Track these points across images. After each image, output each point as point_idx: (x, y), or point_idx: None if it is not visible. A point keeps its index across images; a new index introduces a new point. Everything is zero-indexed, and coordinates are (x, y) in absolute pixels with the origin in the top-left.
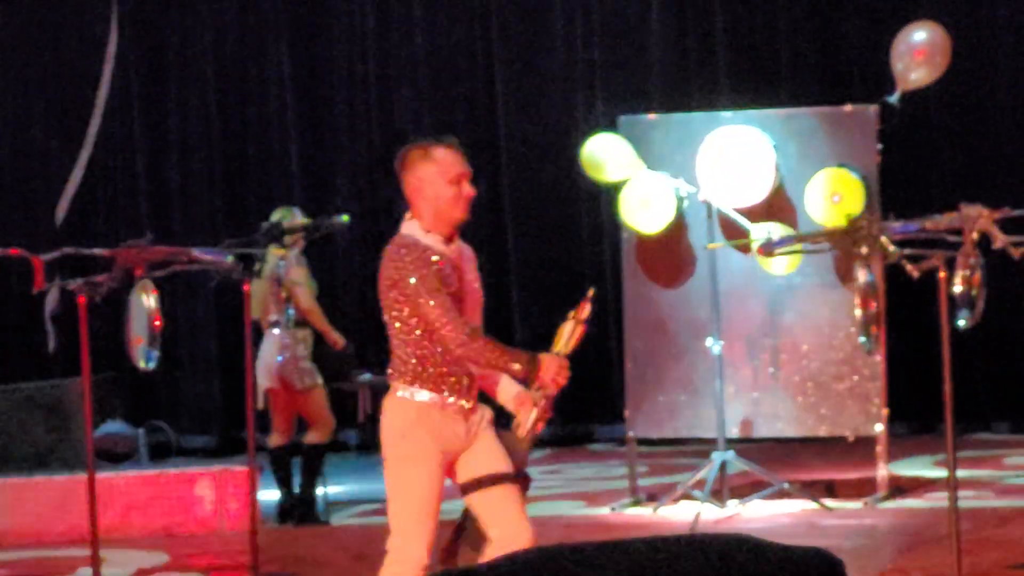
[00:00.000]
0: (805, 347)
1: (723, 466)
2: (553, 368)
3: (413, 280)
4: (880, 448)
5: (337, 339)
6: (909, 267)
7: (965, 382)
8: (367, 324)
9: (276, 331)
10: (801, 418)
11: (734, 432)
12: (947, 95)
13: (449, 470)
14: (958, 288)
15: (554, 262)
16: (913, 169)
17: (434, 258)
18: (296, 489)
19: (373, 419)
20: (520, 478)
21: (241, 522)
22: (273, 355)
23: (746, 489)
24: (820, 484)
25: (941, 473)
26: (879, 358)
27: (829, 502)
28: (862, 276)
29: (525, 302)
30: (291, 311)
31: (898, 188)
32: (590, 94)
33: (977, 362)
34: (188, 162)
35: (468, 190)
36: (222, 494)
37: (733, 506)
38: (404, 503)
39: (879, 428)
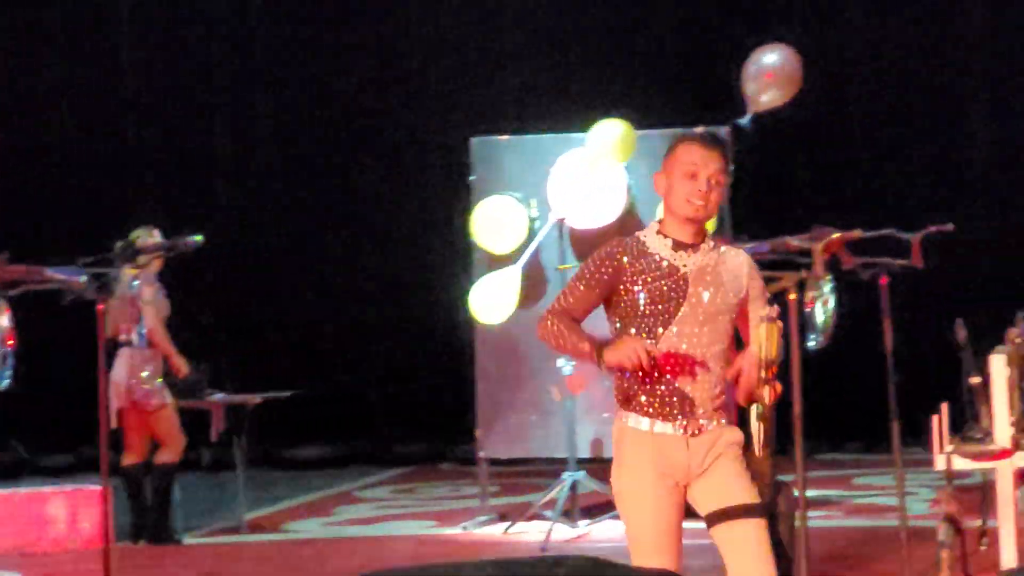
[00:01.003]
0: None
1: (574, 486)
2: (624, 350)
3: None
4: None
5: (180, 365)
6: None
7: (815, 403)
8: (225, 342)
9: (128, 350)
10: None
11: (585, 452)
12: (799, 117)
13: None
14: (809, 309)
15: (407, 284)
16: (765, 190)
17: (611, 252)
18: (149, 508)
19: (227, 437)
20: (765, 503)
21: (94, 541)
22: (125, 374)
23: (597, 509)
24: None
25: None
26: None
27: None
28: None
29: (379, 323)
30: (143, 330)
31: (749, 209)
32: (443, 115)
33: (827, 383)
34: (45, 179)
35: (703, 187)
36: (75, 513)
37: (584, 526)
38: (630, 538)
39: None
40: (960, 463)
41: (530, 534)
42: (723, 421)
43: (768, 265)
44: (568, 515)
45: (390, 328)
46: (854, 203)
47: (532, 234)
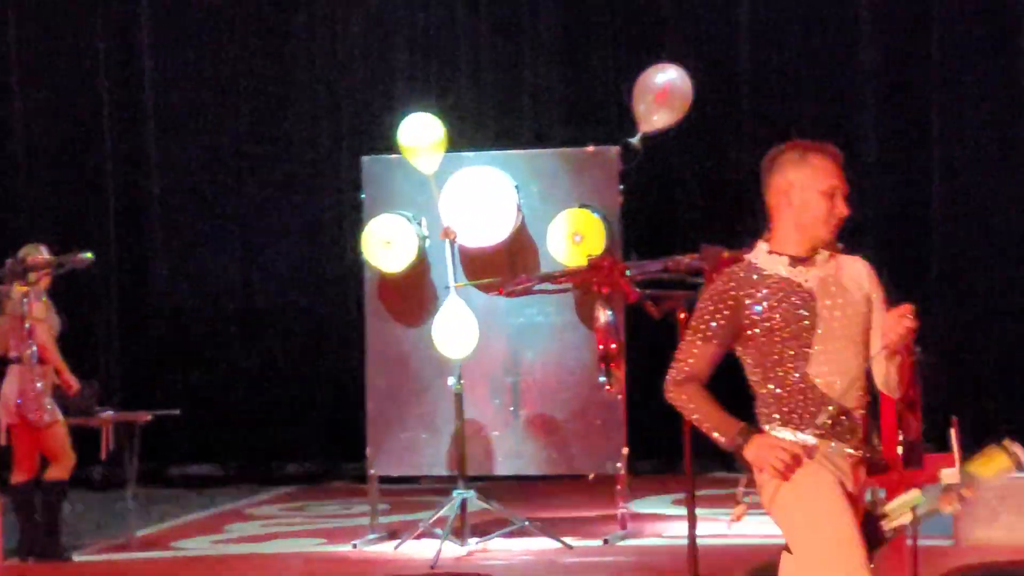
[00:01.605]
0: (546, 386)
1: (464, 504)
2: (765, 453)
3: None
4: (620, 486)
5: (71, 381)
6: (649, 307)
7: None
8: (116, 360)
9: (18, 367)
10: (542, 456)
11: (476, 470)
12: (689, 136)
13: None
14: None
15: (298, 303)
16: (655, 210)
17: (721, 292)
18: (38, 525)
19: (117, 454)
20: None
21: None
22: (15, 391)
23: (487, 527)
24: (561, 522)
25: (680, 511)
26: (619, 397)
27: (570, 540)
28: (602, 316)
29: (270, 341)
30: (35, 347)
31: (640, 228)
32: (334, 133)
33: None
34: None
35: (841, 208)
36: None
37: (474, 543)
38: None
39: (619, 466)
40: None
41: (420, 552)
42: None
43: (658, 284)
44: (458, 533)
45: (281, 346)
46: (743, 222)
47: (422, 252)
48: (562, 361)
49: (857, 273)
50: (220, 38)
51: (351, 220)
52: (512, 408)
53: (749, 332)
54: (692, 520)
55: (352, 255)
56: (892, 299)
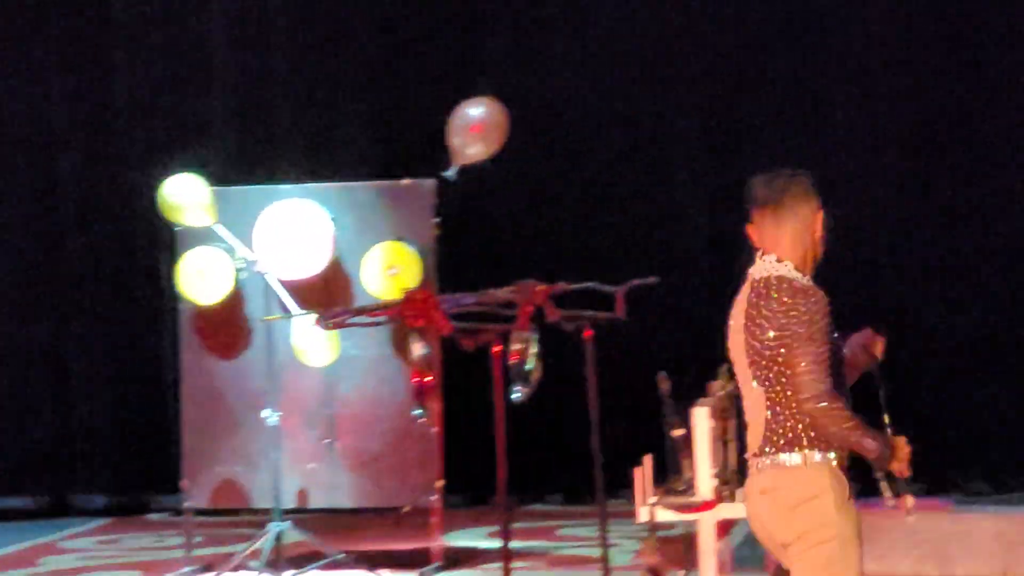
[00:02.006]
0: (362, 418)
1: (279, 536)
2: (902, 457)
3: (803, 329)
4: (435, 519)
5: None
6: (464, 341)
7: (519, 454)
8: None
9: None
10: (357, 489)
11: (291, 503)
12: (504, 169)
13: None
14: (513, 362)
15: (114, 335)
16: (471, 242)
17: (823, 297)
18: None
19: None
20: None
21: None
22: None
23: (303, 559)
24: (376, 554)
25: (495, 544)
26: (434, 430)
27: (385, 572)
28: (417, 349)
29: (86, 373)
30: None
31: (455, 262)
32: (149, 165)
33: (531, 435)
34: None
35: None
36: None
37: None
38: None
39: (434, 499)
40: (663, 515)
41: None
42: None
43: (472, 317)
44: (273, 565)
45: (97, 378)
46: (559, 256)
47: (238, 285)
48: (377, 394)
49: None
50: (31, 68)
51: (167, 252)
52: (328, 441)
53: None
54: (507, 553)
55: (167, 287)
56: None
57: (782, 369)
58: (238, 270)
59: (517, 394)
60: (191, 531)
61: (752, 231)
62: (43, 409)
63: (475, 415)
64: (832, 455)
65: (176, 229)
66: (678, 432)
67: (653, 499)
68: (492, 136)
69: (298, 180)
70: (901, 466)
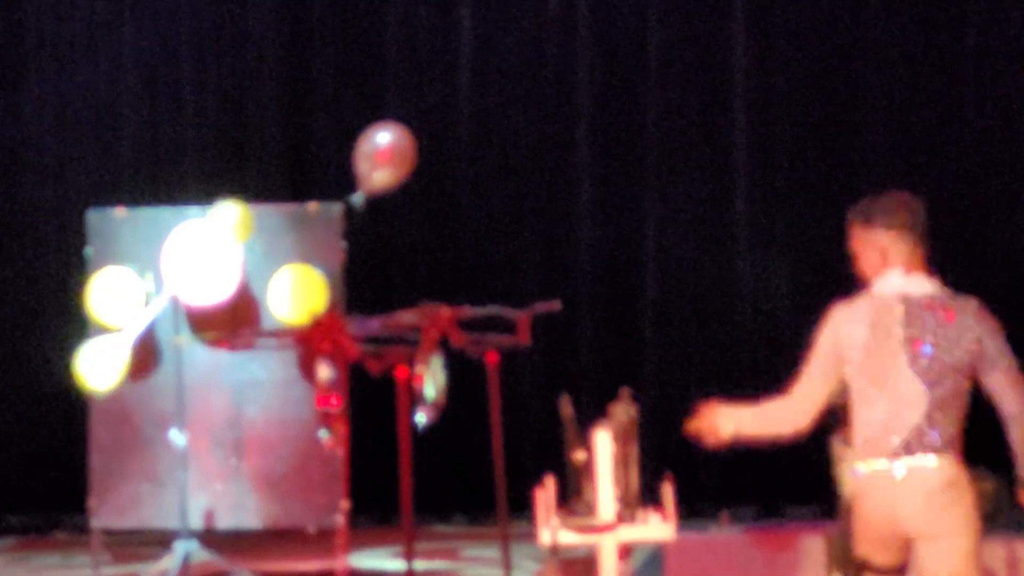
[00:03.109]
0: (269, 440)
1: (186, 556)
2: None
3: (1000, 343)
4: (341, 539)
5: None
6: (370, 364)
7: (424, 475)
8: None
9: None
10: (264, 509)
11: (198, 523)
12: (411, 193)
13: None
14: (417, 385)
15: (21, 355)
16: (377, 267)
17: None
18: None
19: None
20: None
21: None
22: None
23: None
24: (283, 575)
25: (400, 564)
26: (340, 452)
27: None
28: (324, 372)
29: None
30: None
31: (362, 286)
32: (57, 186)
33: (436, 456)
34: None
35: None
36: None
37: None
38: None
39: (339, 520)
40: (565, 536)
41: None
42: None
43: (377, 341)
44: None
45: (5, 397)
46: (464, 280)
47: (146, 307)
48: (284, 416)
49: None
50: None
51: (76, 275)
52: (234, 461)
53: None
54: (411, 573)
55: (76, 309)
56: None
57: (961, 379)
58: (147, 293)
59: (421, 417)
60: (99, 550)
61: (867, 248)
62: None
63: (381, 436)
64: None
65: (87, 251)
66: (580, 455)
67: (554, 521)
68: (399, 162)
69: (207, 202)
70: None
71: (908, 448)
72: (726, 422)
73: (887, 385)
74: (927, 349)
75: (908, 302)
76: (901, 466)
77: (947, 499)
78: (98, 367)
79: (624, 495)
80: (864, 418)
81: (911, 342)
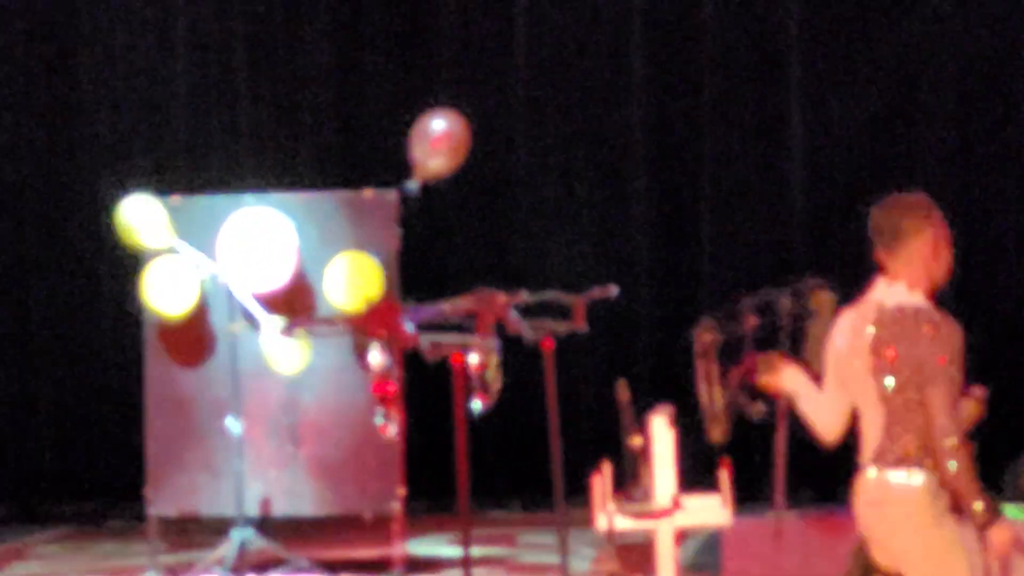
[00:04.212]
0: (324, 427)
1: (242, 543)
2: (1004, 538)
3: (944, 363)
4: (396, 526)
5: None
6: (425, 351)
7: (480, 462)
8: None
9: None
10: (320, 496)
11: (254, 510)
12: (465, 180)
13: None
14: (473, 371)
15: (76, 345)
16: (433, 254)
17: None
18: None
19: None
20: None
21: None
22: None
23: (266, 566)
24: (339, 562)
25: (456, 551)
26: (396, 438)
27: None
28: (379, 358)
29: (47, 382)
30: None
31: (417, 273)
32: (114, 174)
33: (493, 442)
34: None
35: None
36: None
37: None
38: None
39: (396, 506)
40: (622, 522)
41: None
42: None
43: (433, 328)
44: (236, 572)
45: (58, 387)
46: (519, 267)
47: (203, 295)
48: (339, 403)
49: None
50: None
51: (131, 262)
52: (290, 449)
53: None
54: (467, 560)
55: (132, 297)
56: None
57: (912, 395)
58: (202, 281)
59: (477, 403)
60: (155, 538)
61: (881, 257)
62: (7, 417)
63: (436, 423)
64: (932, 475)
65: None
66: (636, 440)
67: (611, 506)
68: (453, 149)
69: (261, 190)
70: (992, 556)
71: (875, 460)
72: (790, 377)
73: (857, 394)
74: (890, 358)
75: (881, 311)
76: (870, 477)
77: (904, 512)
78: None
79: (711, 408)
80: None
81: (875, 352)
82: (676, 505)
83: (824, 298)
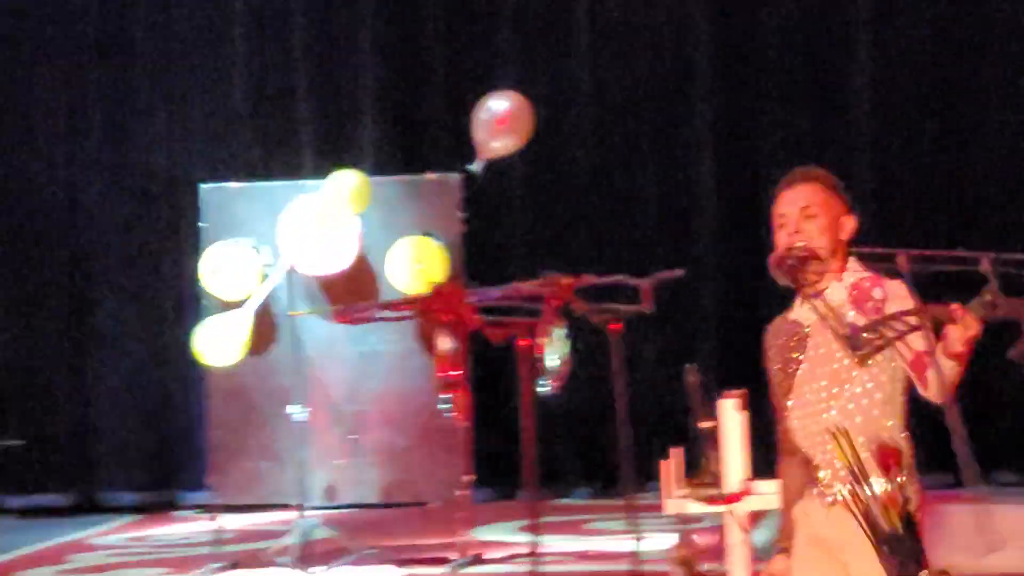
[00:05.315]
0: (389, 413)
1: (307, 532)
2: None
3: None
4: (463, 514)
5: None
6: (491, 334)
7: (548, 448)
8: None
9: None
10: (385, 484)
11: (318, 499)
12: (529, 163)
13: None
14: (539, 355)
15: (137, 331)
16: (496, 237)
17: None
18: None
19: None
20: None
21: None
22: None
23: (331, 555)
24: (404, 550)
25: (524, 538)
26: (462, 424)
27: (414, 568)
28: (444, 343)
29: (109, 371)
30: None
31: (481, 255)
32: (172, 160)
33: (560, 427)
34: None
35: (785, 239)
36: None
37: (319, 572)
38: None
39: (462, 493)
40: (692, 507)
41: None
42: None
43: (499, 311)
44: (301, 561)
45: (121, 376)
46: (586, 249)
47: (263, 281)
48: (404, 389)
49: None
50: (56, 65)
51: (191, 249)
52: (355, 436)
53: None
54: (535, 548)
55: (192, 284)
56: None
57: None
58: (264, 266)
59: (544, 387)
60: (219, 527)
61: None
62: (69, 406)
63: (503, 409)
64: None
65: (201, 225)
66: (706, 424)
67: (681, 492)
68: (517, 130)
69: (323, 175)
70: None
71: None
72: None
73: None
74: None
75: None
76: None
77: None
78: (218, 343)
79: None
80: None
81: None
82: (747, 490)
83: None
